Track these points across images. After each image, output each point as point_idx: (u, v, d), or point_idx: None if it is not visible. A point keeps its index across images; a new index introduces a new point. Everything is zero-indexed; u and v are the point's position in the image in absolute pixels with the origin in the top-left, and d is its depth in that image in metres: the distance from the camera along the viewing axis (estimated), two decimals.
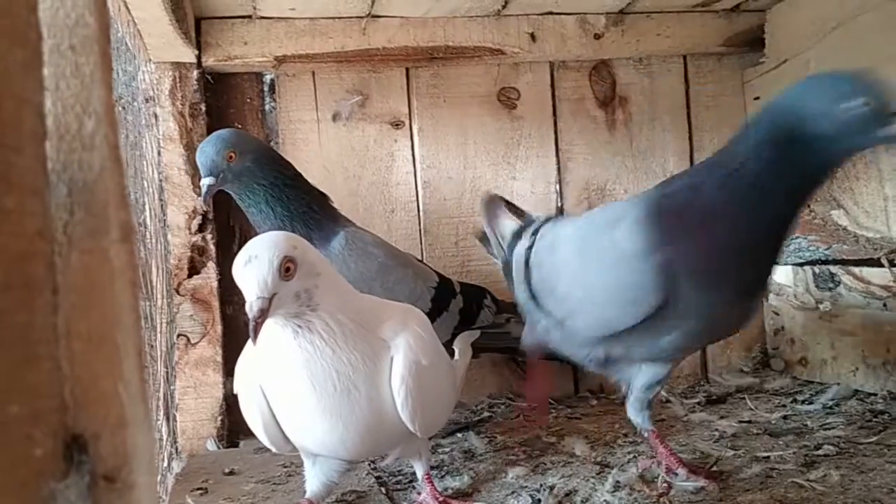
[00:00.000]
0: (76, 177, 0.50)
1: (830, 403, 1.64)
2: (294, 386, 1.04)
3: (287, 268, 0.97)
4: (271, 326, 1.01)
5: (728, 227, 1.09)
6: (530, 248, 1.38)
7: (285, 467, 1.47)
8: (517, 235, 1.48)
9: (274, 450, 1.16)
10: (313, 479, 1.18)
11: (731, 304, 1.14)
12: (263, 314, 0.95)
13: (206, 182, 1.44)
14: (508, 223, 1.56)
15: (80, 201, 0.50)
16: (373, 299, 1.20)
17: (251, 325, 0.94)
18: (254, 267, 0.95)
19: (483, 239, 1.71)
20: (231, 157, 1.44)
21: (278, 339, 1.02)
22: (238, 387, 1.14)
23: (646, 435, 1.28)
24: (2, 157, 0.43)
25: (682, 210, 1.13)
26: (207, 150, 1.44)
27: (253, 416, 1.12)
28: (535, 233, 1.41)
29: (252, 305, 0.95)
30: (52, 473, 0.44)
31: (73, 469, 0.45)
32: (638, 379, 1.26)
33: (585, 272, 1.21)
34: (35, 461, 0.43)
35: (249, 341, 1.14)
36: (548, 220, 1.45)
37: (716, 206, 1.10)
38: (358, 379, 1.04)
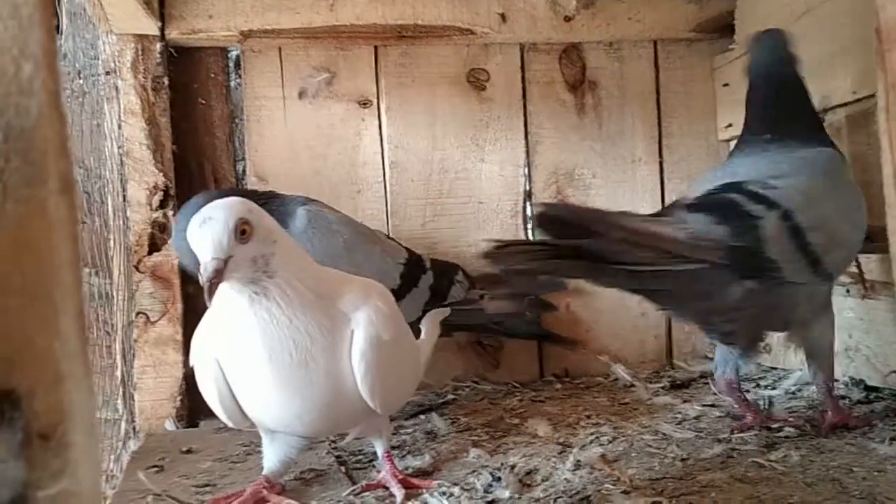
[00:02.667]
0: (13, 122, 0.48)
1: (793, 388, 1.65)
2: (250, 357, 1.02)
3: (243, 230, 0.96)
4: (228, 296, 0.99)
5: None
6: (786, 214, 1.26)
7: (244, 446, 1.45)
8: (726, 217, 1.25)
9: (231, 425, 1.14)
10: (271, 456, 1.16)
11: None
12: (218, 275, 0.93)
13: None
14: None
15: (17, 149, 0.47)
16: (334, 272, 1.17)
17: (206, 286, 0.93)
18: (209, 228, 0.94)
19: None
20: None
21: (234, 308, 1.00)
22: (194, 360, 1.12)
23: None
24: None
25: None
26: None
27: (209, 390, 1.10)
28: (770, 206, 1.26)
29: (206, 267, 0.93)
30: None
31: (5, 425, 0.44)
32: None
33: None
34: None
35: (206, 314, 1.12)
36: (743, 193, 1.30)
37: None
38: (316, 351, 1.02)
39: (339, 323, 1.05)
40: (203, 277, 0.94)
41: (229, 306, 1.01)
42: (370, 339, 1.05)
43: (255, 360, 1.02)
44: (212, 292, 0.93)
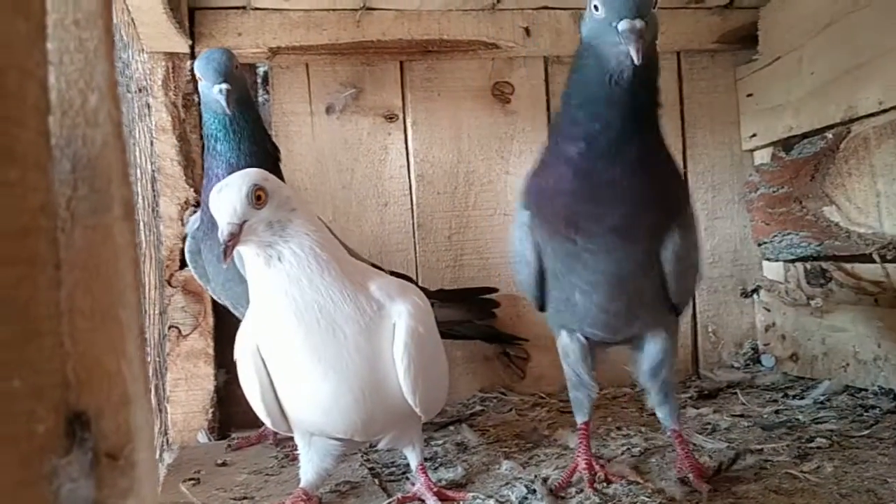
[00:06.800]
0: (79, 152, 0.49)
1: (822, 398, 1.64)
2: (282, 327, 1.04)
3: (258, 196, 1.01)
4: (256, 274, 1.03)
5: (558, 171, 1.10)
6: None
7: (278, 459, 1.46)
8: None
9: (269, 424, 1.15)
10: (307, 466, 1.17)
11: (599, 248, 1.10)
12: (234, 238, 0.99)
13: (223, 87, 1.37)
14: None
15: (84, 177, 0.49)
16: (361, 263, 1.19)
17: (222, 248, 0.99)
18: (225, 195, 1.00)
19: None
20: (237, 67, 1.44)
21: (262, 284, 1.04)
22: (237, 354, 1.13)
23: (667, 433, 1.28)
24: (5, 130, 0.43)
25: (534, 173, 1.18)
26: (216, 56, 1.41)
27: (250, 381, 1.11)
28: None
29: (223, 231, 0.99)
30: (54, 449, 0.43)
31: (76, 446, 0.45)
32: (637, 367, 1.26)
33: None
34: (37, 437, 0.42)
35: (246, 315, 1.13)
36: None
37: (547, 157, 1.15)
38: (340, 317, 1.03)
39: (372, 306, 1.06)
40: (220, 240, 0.99)
41: (260, 286, 1.04)
42: (412, 332, 1.07)
43: (285, 328, 1.04)
44: (227, 253, 0.99)
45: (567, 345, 1.24)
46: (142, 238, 1.67)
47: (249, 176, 1.03)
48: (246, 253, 1.03)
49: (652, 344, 1.22)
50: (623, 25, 0.99)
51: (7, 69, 0.43)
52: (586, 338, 1.23)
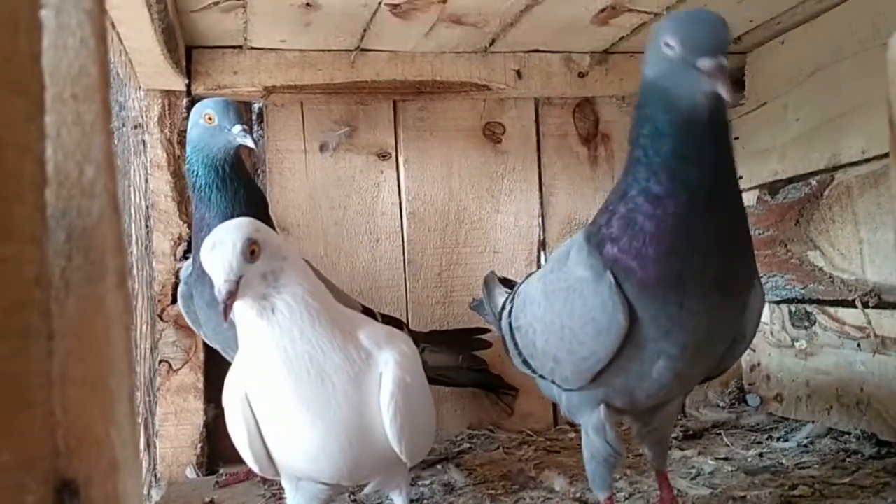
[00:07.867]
0: (75, 223, 0.50)
1: (805, 441, 1.66)
2: (271, 377, 1.04)
3: (252, 250, 1.00)
4: (246, 324, 1.03)
5: (654, 220, 0.98)
6: (510, 312, 1.28)
7: (265, 498, 1.47)
8: (503, 306, 1.38)
9: (257, 471, 1.15)
10: None
11: (701, 306, 0.99)
12: (232, 297, 0.98)
13: (245, 127, 1.40)
14: (500, 297, 1.48)
15: (79, 247, 0.50)
16: (349, 310, 1.20)
17: (221, 307, 0.98)
18: (219, 252, 0.99)
19: (478, 308, 1.71)
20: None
21: (253, 333, 1.04)
22: (225, 401, 1.13)
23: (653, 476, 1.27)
24: (2, 209, 0.44)
25: (615, 220, 1.04)
26: (231, 102, 1.44)
27: (238, 430, 1.11)
28: (512, 298, 1.31)
29: (220, 289, 0.98)
30: None
31: None
32: (640, 422, 1.21)
33: (553, 314, 1.12)
34: None
35: (237, 355, 1.14)
36: (524, 280, 1.35)
37: (635, 204, 1.01)
38: (329, 367, 1.04)
39: (361, 356, 1.07)
40: (218, 299, 0.98)
41: (250, 336, 1.04)
42: (399, 382, 1.07)
43: (275, 378, 1.04)
44: (227, 313, 0.98)
45: (604, 420, 1.13)
46: (134, 274, 1.69)
47: (241, 229, 1.02)
48: (239, 305, 1.03)
49: (670, 406, 1.18)
50: (706, 63, 0.92)
51: (4, 147, 0.44)
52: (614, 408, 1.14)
